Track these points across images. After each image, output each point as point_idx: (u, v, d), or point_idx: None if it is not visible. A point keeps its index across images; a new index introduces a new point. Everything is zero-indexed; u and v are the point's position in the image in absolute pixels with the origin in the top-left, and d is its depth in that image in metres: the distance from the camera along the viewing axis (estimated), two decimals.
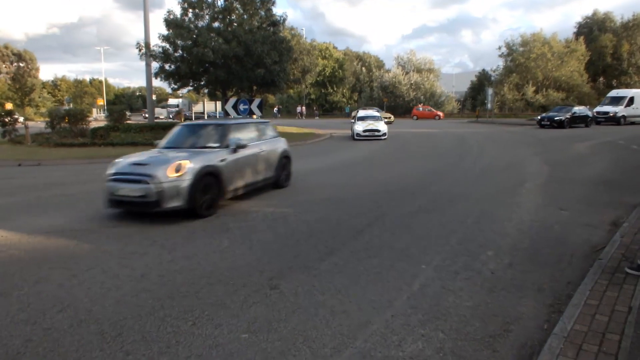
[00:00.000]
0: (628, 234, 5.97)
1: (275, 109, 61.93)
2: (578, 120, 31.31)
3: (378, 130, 23.80)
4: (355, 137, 23.85)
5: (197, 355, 3.33)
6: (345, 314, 3.93)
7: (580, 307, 3.88)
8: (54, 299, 4.30)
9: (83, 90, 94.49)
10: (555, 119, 30.99)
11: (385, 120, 29.39)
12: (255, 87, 26.13)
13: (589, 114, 32.95)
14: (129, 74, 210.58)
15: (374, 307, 4.07)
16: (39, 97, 78.76)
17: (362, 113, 27.80)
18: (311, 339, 3.53)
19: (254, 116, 20.88)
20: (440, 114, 54.39)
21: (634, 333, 3.45)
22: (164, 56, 22.76)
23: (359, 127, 23.94)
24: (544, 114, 34.41)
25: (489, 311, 3.98)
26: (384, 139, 23.68)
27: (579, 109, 32.87)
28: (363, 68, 71.09)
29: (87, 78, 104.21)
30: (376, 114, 28.02)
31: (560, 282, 4.63)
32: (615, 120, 32.88)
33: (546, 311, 4.00)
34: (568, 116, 30.92)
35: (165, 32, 22.76)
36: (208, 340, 3.52)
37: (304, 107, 61.13)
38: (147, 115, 33.39)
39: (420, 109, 55.75)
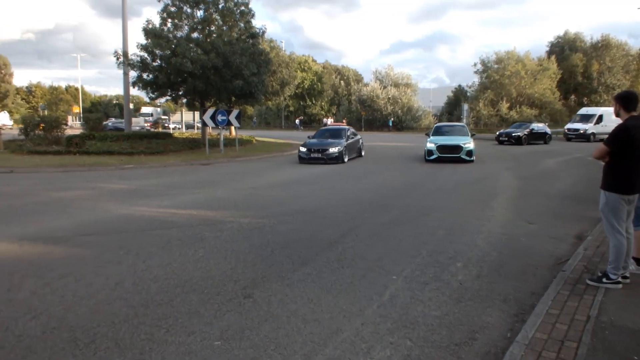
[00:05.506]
0: (591, 247, 6.23)
1: (297, 120, 62.83)
2: (537, 137, 31.45)
3: (459, 150, 18.18)
4: (427, 159, 18.72)
5: None
6: (317, 322, 4.02)
7: (542, 317, 4.06)
8: (26, 306, 4.29)
9: (58, 97, 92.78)
10: (513, 135, 31.10)
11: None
12: (233, 99, 26.17)
13: (548, 131, 32.97)
14: (106, 82, 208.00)
15: (345, 315, 4.17)
16: (12, 103, 77.02)
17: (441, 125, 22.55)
18: (282, 346, 3.61)
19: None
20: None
21: (591, 341, 3.63)
22: (142, 65, 22.71)
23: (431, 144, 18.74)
24: (502, 130, 34.19)
25: (455, 320, 4.13)
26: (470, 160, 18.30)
27: (537, 126, 32.98)
28: (341, 81, 71.63)
29: (63, 85, 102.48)
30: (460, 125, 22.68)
31: (525, 292, 4.81)
32: (585, 137, 33.66)
33: (510, 320, 4.16)
34: (526, 133, 30.96)
35: (143, 41, 22.71)
36: (181, 348, 3.58)
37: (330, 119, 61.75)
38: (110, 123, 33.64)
39: (330, 121, 57.32)
